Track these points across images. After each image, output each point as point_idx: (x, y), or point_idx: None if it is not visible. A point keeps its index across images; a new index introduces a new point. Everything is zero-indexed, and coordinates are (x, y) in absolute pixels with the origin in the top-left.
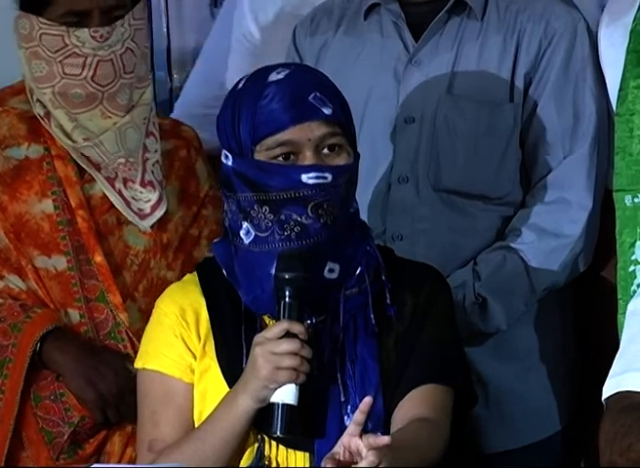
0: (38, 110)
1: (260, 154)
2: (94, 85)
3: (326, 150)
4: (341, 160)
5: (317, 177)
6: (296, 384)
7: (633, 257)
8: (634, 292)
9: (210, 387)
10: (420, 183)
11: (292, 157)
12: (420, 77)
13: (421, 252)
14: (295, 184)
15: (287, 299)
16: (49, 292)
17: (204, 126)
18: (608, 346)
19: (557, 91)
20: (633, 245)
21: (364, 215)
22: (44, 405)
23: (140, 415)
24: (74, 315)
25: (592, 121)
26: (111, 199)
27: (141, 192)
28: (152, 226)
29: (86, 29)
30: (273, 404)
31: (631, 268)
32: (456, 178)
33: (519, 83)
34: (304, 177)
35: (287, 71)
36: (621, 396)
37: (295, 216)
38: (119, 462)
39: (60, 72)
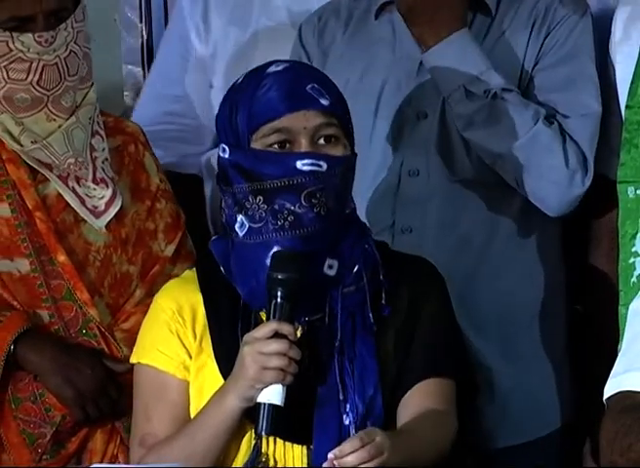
0: None
1: (257, 143)
2: (39, 89)
3: (322, 141)
4: (337, 151)
5: (312, 165)
6: (283, 385)
7: (634, 249)
8: (634, 283)
9: (207, 383)
10: (431, 176)
11: (287, 146)
12: None
13: (430, 245)
14: (289, 171)
15: (278, 300)
16: (15, 295)
17: (156, 142)
18: (606, 339)
19: (550, 65)
20: (634, 236)
21: (373, 209)
22: (24, 406)
23: (135, 409)
24: (44, 316)
25: (589, 86)
26: (66, 197)
27: (95, 189)
28: (108, 224)
29: (30, 34)
30: (259, 403)
31: (631, 260)
32: (471, 169)
33: (526, 69)
34: (299, 164)
35: (286, 65)
36: (623, 396)
37: (288, 206)
38: (102, 459)
39: (4, 77)
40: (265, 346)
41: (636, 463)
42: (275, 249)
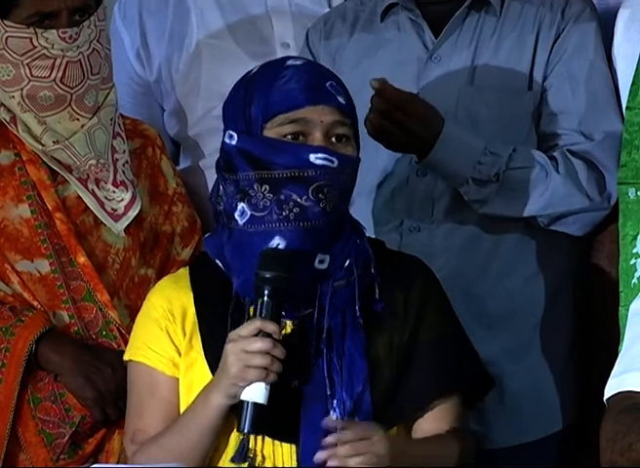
0: (3, 115)
1: (270, 132)
2: (62, 87)
3: (334, 139)
4: (348, 151)
5: (324, 159)
6: (266, 383)
7: (634, 250)
8: (634, 284)
9: (196, 380)
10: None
11: (301, 138)
12: (439, 73)
13: (439, 244)
14: (301, 163)
15: (265, 298)
16: (35, 295)
17: None
18: (607, 340)
19: (570, 71)
20: (635, 238)
21: (382, 208)
22: (44, 406)
23: (128, 406)
24: (63, 316)
25: (611, 100)
26: (85, 200)
27: (114, 192)
28: (127, 228)
29: (54, 30)
30: (242, 401)
31: (632, 261)
32: None
33: (538, 72)
34: (312, 157)
35: (304, 61)
36: (623, 396)
37: (294, 197)
38: (118, 461)
39: (27, 75)
40: (249, 344)
41: (636, 463)
42: (276, 238)
